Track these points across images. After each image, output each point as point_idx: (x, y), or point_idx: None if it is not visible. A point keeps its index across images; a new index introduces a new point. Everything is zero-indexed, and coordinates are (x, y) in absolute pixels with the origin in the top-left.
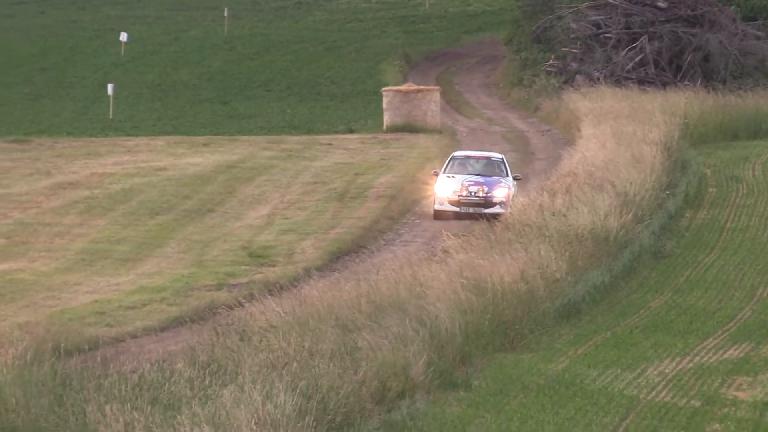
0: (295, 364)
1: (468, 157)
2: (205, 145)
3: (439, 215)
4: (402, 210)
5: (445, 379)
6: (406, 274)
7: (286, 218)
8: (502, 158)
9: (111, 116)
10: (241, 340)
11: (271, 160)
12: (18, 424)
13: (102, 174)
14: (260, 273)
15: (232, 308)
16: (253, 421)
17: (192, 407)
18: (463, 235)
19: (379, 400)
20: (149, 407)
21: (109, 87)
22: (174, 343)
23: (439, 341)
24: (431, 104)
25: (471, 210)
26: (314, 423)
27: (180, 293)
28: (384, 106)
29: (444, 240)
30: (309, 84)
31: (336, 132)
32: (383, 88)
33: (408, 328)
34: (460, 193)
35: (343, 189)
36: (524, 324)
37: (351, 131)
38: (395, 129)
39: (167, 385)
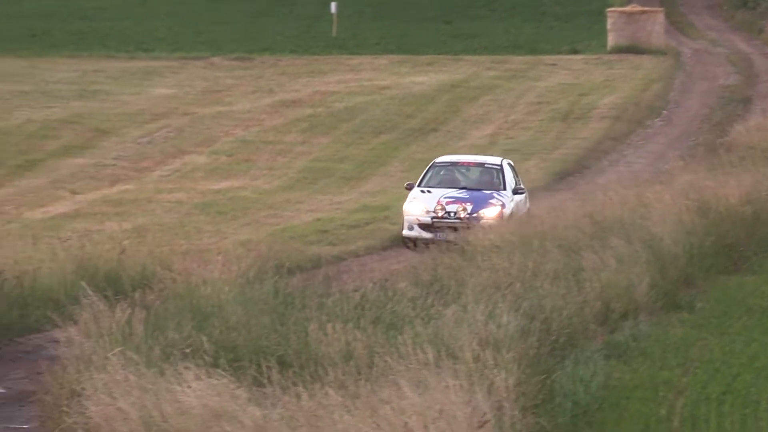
0: (518, 285)
1: (454, 164)
2: (428, 64)
3: (409, 243)
4: (626, 131)
5: (668, 300)
6: (630, 194)
7: (510, 138)
8: (501, 164)
9: (334, 34)
10: (464, 259)
11: (495, 80)
12: (239, 342)
13: (325, 92)
14: None
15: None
16: (475, 341)
17: (414, 327)
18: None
19: (602, 321)
20: (371, 326)
21: (333, 5)
22: (396, 262)
23: (662, 262)
24: (655, 25)
25: (451, 237)
26: (537, 344)
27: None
28: (608, 27)
29: (669, 161)
30: (533, 4)
31: (560, 52)
32: (608, 9)
33: (631, 249)
34: (434, 214)
35: (566, 109)
36: (748, 246)
37: (575, 52)
38: (619, 50)
39: (389, 304)
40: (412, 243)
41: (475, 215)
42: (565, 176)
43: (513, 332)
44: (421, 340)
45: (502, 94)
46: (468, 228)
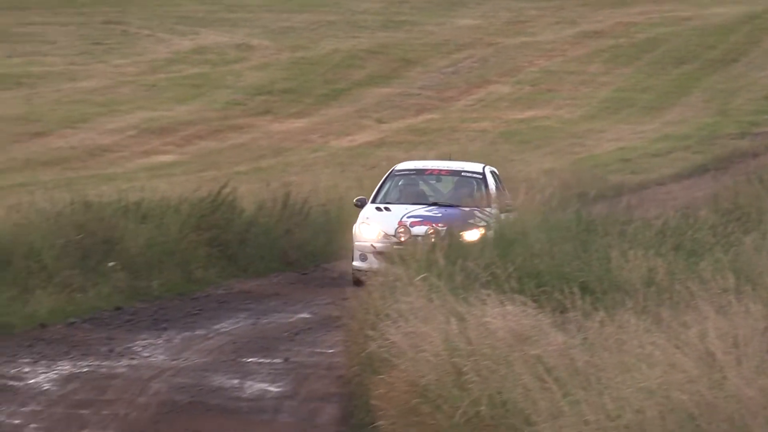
0: None
1: (420, 171)
2: None
3: (359, 278)
4: None
5: None
6: None
7: None
8: (483, 172)
9: None
10: (764, 188)
11: None
12: (542, 268)
13: (627, 23)
14: None
15: (755, 156)
16: None
17: (714, 254)
18: None
19: None
20: (672, 253)
21: None
22: (698, 190)
23: None
24: None
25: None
26: None
27: (704, 141)
28: None
29: None
30: None
31: None
32: None
33: None
34: (395, 239)
35: None
36: None
37: None
38: None
39: (690, 231)
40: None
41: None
42: None
43: None
44: (722, 266)
45: None
46: None
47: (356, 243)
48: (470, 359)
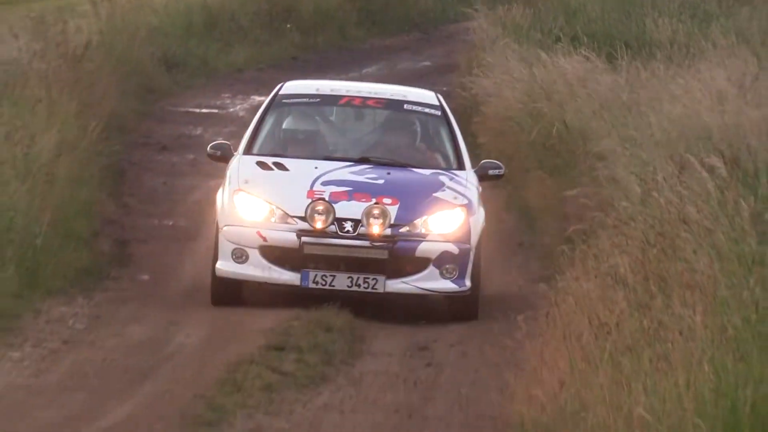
0: None
1: (329, 99)
2: None
3: (222, 291)
4: None
5: None
6: None
7: None
8: (442, 105)
9: None
10: None
11: None
12: (596, 30)
13: None
14: None
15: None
16: None
17: (720, 20)
18: None
19: None
20: (689, 20)
21: None
22: None
23: None
24: None
25: (346, 281)
26: None
27: None
28: None
29: None
30: None
31: None
32: None
33: None
34: (303, 222)
35: None
36: None
37: None
38: None
39: (702, 5)
40: (244, 286)
41: (406, 231)
42: None
43: None
44: (727, 30)
45: None
46: (390, 270)
47: (224, 228)
48: (544, 94)
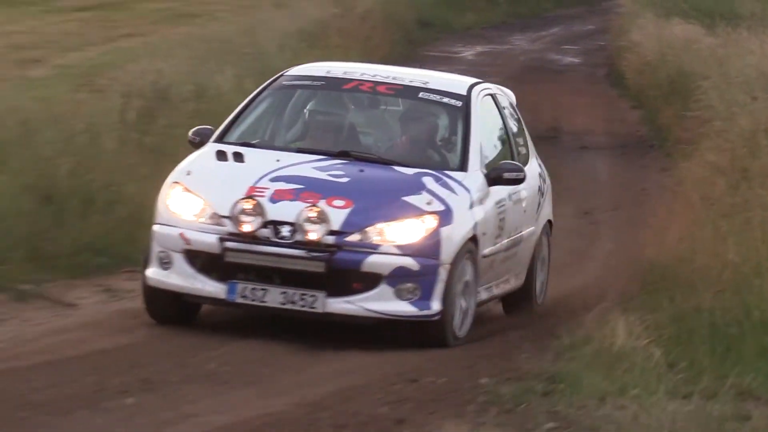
0: None
1: (335, 83)
2: None
3: (158, 304)
4: None
5: None
6: None
7: None
8: (469, 96)
9: None
10: None
11: None
12: (698, 3)
13: None
14: None
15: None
16: None
17: None
18: None
19: None
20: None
21: None
22: None
23: None
24: None
25: (279, 297)
26: None
27: None
28: None
29: None
30: None
31: None
32: None
33: None
34: (228, 223)
35: None
36: None
37: None
38: None
39: None
40: (163, 306)
41: (356, 240)
42: None
43: None
44: None
45: None
46: (331, 287)
47: (153, 227)
48: (668, 48)
